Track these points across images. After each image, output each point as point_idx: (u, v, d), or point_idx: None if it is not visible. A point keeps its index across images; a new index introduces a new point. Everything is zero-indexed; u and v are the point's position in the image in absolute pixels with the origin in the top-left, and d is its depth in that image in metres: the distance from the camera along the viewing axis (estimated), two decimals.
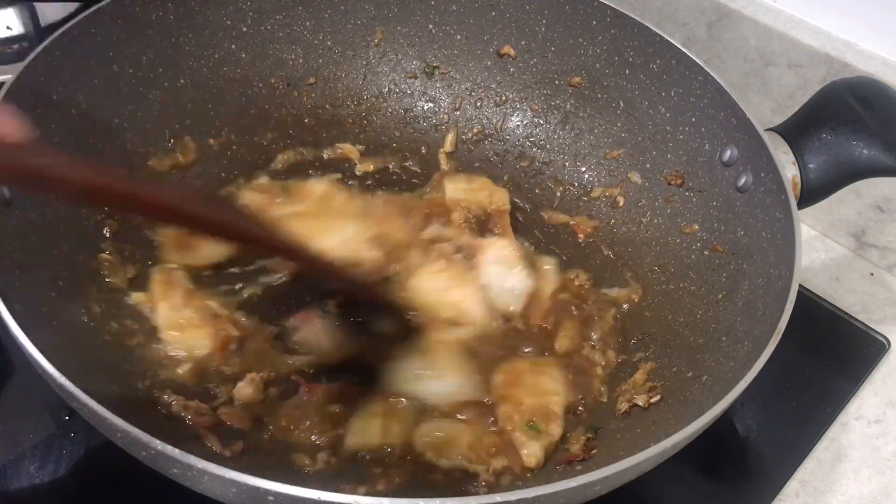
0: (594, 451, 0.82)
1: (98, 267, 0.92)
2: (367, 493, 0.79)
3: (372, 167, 1.16)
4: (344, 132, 1.18)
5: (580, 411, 0.90)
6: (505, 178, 1.16)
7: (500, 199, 1.09)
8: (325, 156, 1.15)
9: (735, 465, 0.96)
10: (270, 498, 0.60)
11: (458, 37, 1.17)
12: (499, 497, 0.59)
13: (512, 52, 1.16)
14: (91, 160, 0.65)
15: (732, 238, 0.94)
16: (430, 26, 1.17)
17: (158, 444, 0.61)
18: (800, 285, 0.79)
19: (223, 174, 1.09)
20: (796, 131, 0.92)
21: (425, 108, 1.21)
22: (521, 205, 1.13)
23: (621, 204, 1.10)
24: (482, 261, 1.01)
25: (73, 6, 1.22)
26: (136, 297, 0.92)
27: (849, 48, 1.12)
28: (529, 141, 1.18)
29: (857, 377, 1.05)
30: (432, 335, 0.94)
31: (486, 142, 1.19)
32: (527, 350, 0.96)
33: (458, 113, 1.20)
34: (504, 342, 0.96)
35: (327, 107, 1.18)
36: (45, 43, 0.89)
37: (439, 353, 0.92)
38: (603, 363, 0.95)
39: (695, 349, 0.90)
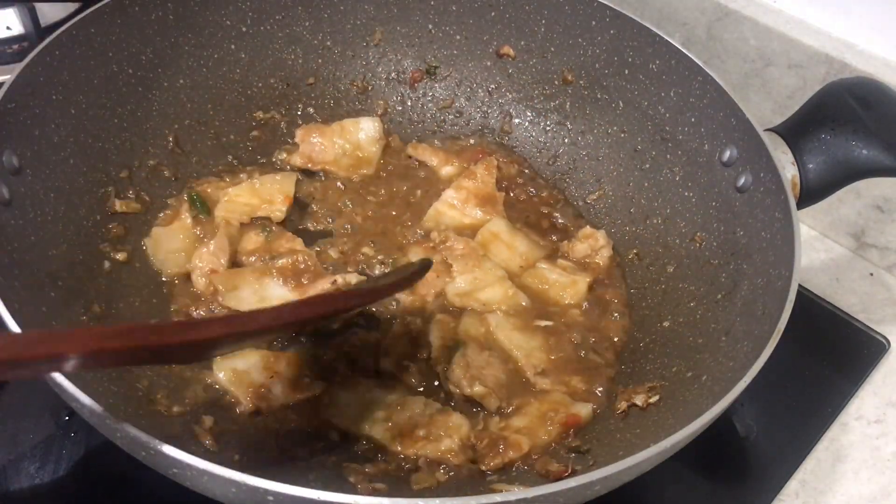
0: (579, 468, 0.82)
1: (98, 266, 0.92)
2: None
3: None
4: None
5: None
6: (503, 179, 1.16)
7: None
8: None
9: (735, 465, 0.96)
10: (270, 498, 0.60)
11: (458, 37, 1.17)
12: (498, 497, 0.59)
13: (511, 52, 1.16)
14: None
15: (732, 238, 0.94)
16: (430, 26, 1.17)
17: (158, 444, 0.61)
18: (800, 285, 0.79)
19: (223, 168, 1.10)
20: (796, 131, 0.92)
21: (425, 108, 1.21)
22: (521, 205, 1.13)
23: (620, 206, 1.10)
24: None
25: (73, 6, 1.22)
26: None
27: (849, 48, 1.12)
28: (529, 141, 1.18)
29: (857, 377, 1.05)
30: None
31: (485, 142, 1.20)
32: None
33: (457, 113, 1.20)
34: None
35: (326, 107, 1.18)
36: (45, 43, 0.89)
37: None
38: (603, 363, 0.95)
39: (694, 349, 0.90)
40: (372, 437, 0.85)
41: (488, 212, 1.08)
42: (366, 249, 1.04)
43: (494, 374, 0.91)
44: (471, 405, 0.90)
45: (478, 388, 0.88)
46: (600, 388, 0.92)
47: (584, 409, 0.89)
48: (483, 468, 0.83)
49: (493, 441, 0.84)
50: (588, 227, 1.08)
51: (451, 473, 0.83)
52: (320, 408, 0.87)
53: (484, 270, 1.01)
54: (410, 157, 1.15)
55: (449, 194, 1.08)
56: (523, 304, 0.99)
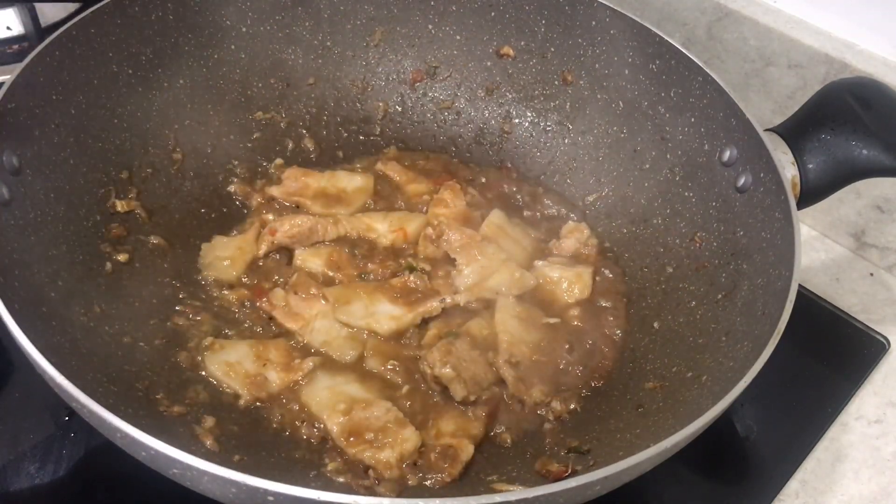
0: (579, 468, 0.82)
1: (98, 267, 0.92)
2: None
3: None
4: (343, 132, 1.18)
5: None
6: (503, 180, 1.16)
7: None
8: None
9: (735, 465, 0.96)
10: (270, 498, 0.60)
11: (458, 37, 1.17)
12: (499, 497, 0.59)
13: (511, 52, 1.16)
14: None
15: (732, 238, 0.94)
16: (430, 26, 1.17)
17: (158, 444, 0.61)
18: (800, 285, 0.79)
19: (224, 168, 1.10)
20: (796, 132, 0.92)
21: (425, 108, 1.21)
22: (519, 205, 1.13)
23: (620, 206, 1.10)
24: None
25: (73, 6, 1.22)
26: None
27: (849, 48, 1.12)
28: (529, 141, 1.18)
29: (857, 377, 1.05)
30: None
31: (485, 143, 1.20)
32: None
33: (457, 113, 1.21)
34: None
35: (327, 108, 1.18)
36: (45, 43, 0.89)
37: None
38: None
39: (695, 349, 0.90)
40: (326, 427, 0.85)
41: (472, 226, 1.06)
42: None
43: (475, 370, 0.90)
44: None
45: (447, 371, 0.88)
46: (553, 403, 0.91)
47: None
48: (448, 479, 0.82)
49: (443, 450, 0.84)
50: (570, 221, 1.08)
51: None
52: (301, 390, 0.89)
53: (487, 256, 1.01)
54: (380, 172, 1.13)
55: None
56: (531, 283, 1.00)
